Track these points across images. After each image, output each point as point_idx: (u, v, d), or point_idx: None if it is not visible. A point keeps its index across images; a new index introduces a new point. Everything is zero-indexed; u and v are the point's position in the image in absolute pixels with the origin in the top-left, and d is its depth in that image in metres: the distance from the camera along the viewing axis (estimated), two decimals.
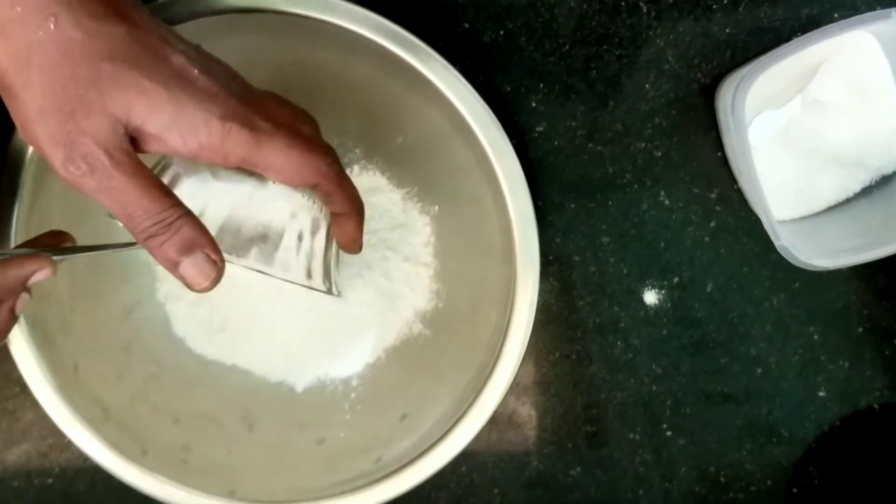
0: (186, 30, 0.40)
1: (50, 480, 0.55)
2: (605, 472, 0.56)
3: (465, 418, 0.46)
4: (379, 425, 0.50)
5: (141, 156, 0.35)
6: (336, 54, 0.48)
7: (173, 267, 0.35)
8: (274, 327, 0.52)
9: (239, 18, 0.45)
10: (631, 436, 0.56)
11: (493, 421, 0.46)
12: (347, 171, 0.45)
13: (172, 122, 0.34)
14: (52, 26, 0.31)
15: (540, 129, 0.54)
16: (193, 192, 0.38)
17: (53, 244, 0.41)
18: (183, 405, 0.50)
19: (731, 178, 0.54)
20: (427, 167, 0.53)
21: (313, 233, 0.42)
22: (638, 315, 0.55)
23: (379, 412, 0.51)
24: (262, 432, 0.51)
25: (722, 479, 0.56)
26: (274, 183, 0.40)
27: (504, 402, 0.46)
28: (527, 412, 0.55)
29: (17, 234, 0.45)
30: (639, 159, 0.54)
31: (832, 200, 0.53)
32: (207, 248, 0.35)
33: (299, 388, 0.53)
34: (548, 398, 0.55)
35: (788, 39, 0.53)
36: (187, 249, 0.35)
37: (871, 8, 0.53)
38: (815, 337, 0.55)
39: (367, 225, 0.52)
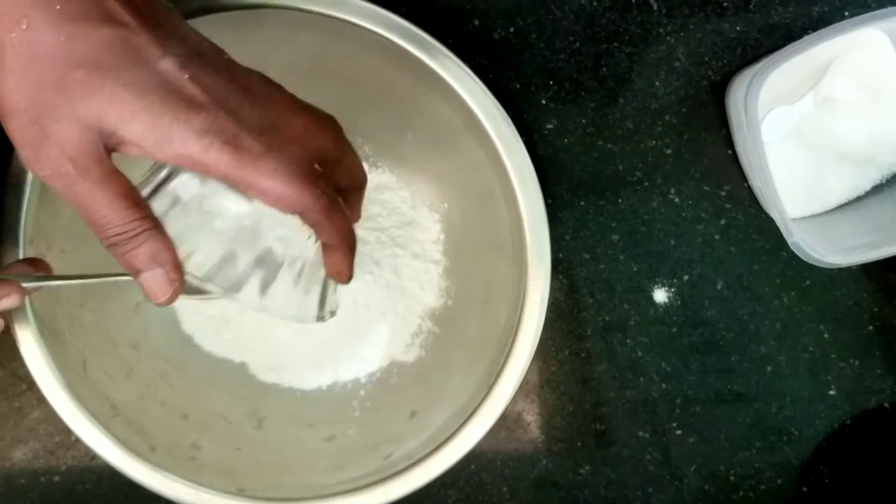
0: (199, 25, 0.39)
1: (57, 478, 0.54)
2: (615, 471, 0.56)
3: (476, 416, 0.46)
4: (388, 422, 0.50)
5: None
6: (347, 51, 0.47)
7: (135, 274, 0.35)
8: (284, 326, 0.52)
9: (251, 15, 0.45)
10: (640, 434, 0.55)
11: (502, 419, 0.46)
12: None
13: (148, 131, 0.32)
14: (23, 27, 0.31)
15: (550, 126, 0.54)
16: (197, 202, 0.37)
17: (27, 272, 0.40)
18: (191, 402, 0.50)
19: (742, 176, 0.54)
20: (437, 164, 0.53)
21: (313, 265, 0.41)
22: (647, 313, 0.55)
23: (388, 409, 0.51)
24: (271, 429, 0.51)
25: (731, 478, 0.56)
26: None
27: (513, 401, 0.46)
28: (536, 410, 0.55)
29: (26, 234, 0.45)
30: (649, 157, 0.54)
31: (843, 198, 0.53)
32: (168, 266, 0.35)
33: (308, 385, 0.52)
34: (557, 396, 0.55)
35: (799, 37, 0.52)
36: (148, 262, 0.35)
37: (881, 5, 0.53)
38: (826, 335, 0.55)
39: (377, 222, 0.52)
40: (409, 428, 0.49)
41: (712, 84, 0.54)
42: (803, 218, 0.54)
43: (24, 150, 0.32)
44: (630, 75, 0.53)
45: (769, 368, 0.55)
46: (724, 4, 0.53)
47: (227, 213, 0.37)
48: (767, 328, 0.55)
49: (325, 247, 0.40)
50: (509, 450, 0.55)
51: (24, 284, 0.38)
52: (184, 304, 0.52)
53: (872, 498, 0.56)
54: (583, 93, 0.54)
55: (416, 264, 0.53)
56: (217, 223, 0.37)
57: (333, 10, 0.45)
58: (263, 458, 0.49)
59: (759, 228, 0.54)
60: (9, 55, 0.31)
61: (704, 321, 0.55)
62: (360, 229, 0.52)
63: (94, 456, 0.46)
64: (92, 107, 0.32)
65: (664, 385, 0.55)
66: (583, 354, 0.55)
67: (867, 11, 0.52)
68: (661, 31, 0.53)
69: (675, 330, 0.55)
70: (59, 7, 0.31)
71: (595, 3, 0.53)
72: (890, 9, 0.46)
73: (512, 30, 0.53)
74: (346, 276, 0.41)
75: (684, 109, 0.54)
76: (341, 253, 0.40)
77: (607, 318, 0.55)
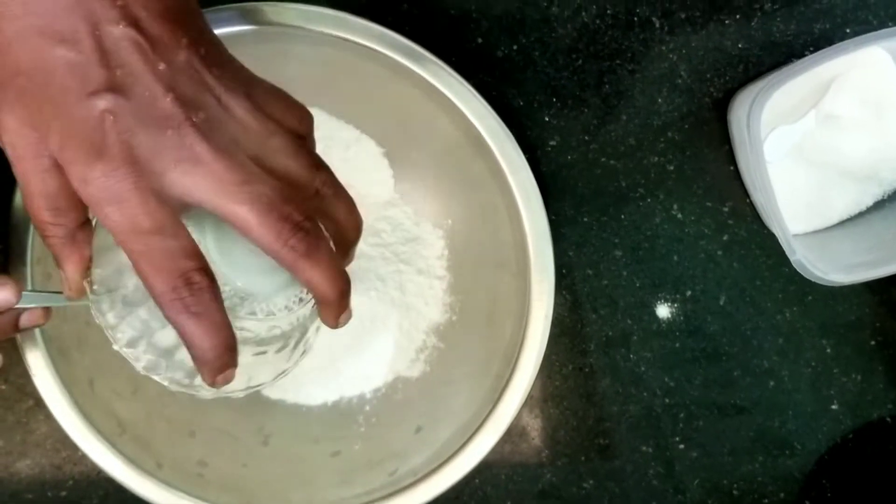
0: None
1: (64, 493, 0.55)
2: (618, 485, 0.56)
3: (481, 431, 0.46)
4: (394, 438, 0.51)
5: None
6: (351, 68, 0.48)
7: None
8: None
9: (254, 32, 0.45)
10: (643, 448, 0.56)
11: (507, 433, 0.46)
12: None
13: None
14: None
15: (553, 143, 0.54)
16: None
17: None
18: (198, 419, 0.50)
19: (744, 192, 0.54)
20: (440, 181, 0.53)
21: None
22: (651, 328, 0.55)
23: (393, 425, 0.52)
24: (276, 445, 0.51)
25: (735, 492, 0.56)
26: None
27: (517, 415, 0.47)
28: (540, 425, 0.55)
29: (33, 253, 0.45)
30: (651, 173, 0.54)
31: (845, 214, 0.54)
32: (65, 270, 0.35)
33: (314, 401, 0.53)
34: (560, 411, 0.55)
35: (801, 54, 0.53)
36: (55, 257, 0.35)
37: (882, 23, 0.53)
38: (828, 350, 0.55)
39: (381, 238, 0.52)
40: (415, 443, 0.49)
41: (714, 101, 0.54)
42: (805, 234, 0.54)
43: None
44: (632, 92, 0.54)
45: (772, 383, 0.55)
46: (727, 21, 0.53)
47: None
48: (770, 343, 0.55)
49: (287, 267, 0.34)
50: (514, 464, 0.56)
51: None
52: None
53: None
54: (585, 109, 0.54)
55: (421, 280, 0.53)
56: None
57: (337, 30, 0.45)
58: (270, 474, 0.49)
59: (762, 244, 0.55)
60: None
61: (707, 336, 0.55)
62: (365, 245, 0.52)
63: (100, 471, 0.46)
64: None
65: (667, 399, 0.55)
66: (586, 369, 0.55)
67: (869, 28, 0.53)
68: (664, 48, 0.54)
69: (677, 345, 0.55)
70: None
71: (598, 21, 0.53)
72: (892, 28, 0.47)
73: (515, 47, 0.54)
74: (336, 326, 0.37)
75: (686, 126, 0.54)
76: (323, 305, 0.35)
77: (610, 333, 0.55)
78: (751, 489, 0.56)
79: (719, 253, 0.55)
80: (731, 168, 0.54)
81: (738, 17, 0.53)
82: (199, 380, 0.35)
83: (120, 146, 0.29)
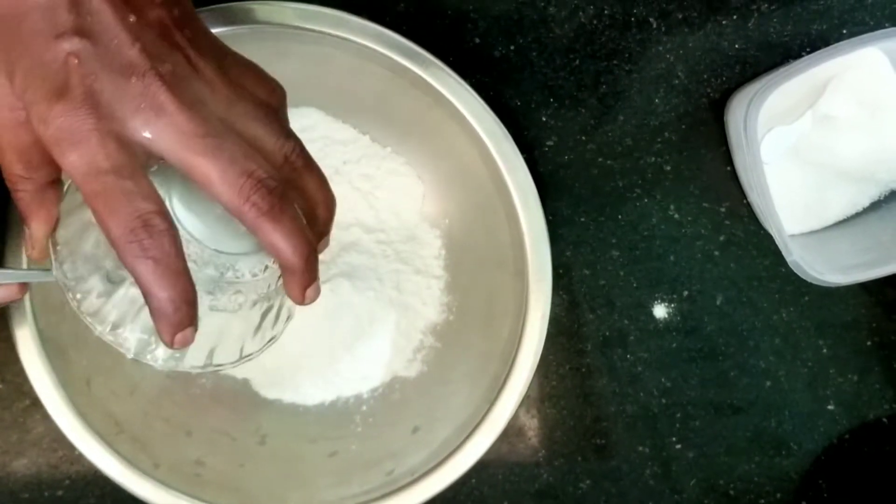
0: None
1: (60, 492, 0.55)
2: (615, 485, 0.56)
3: (478, 431, 0.46)
4: (391, 438, 0.51)
5: None
6: (349, 66, 0.48)
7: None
8: (285, 342, 0.52)
9: (252, 30, 0.45)
10: (640, 448, 0.56)
11: (504, 433, 0.46)
12: None
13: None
14: None
15: (550, 143, 0.54)
16: None
17: None
18: (195, 419, 0.50)
19: (741, 193, 0.54)
20: (438, 180, 0.53)
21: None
22: (647, 328, 0.55)
23: (391, 425, 0.52)
24: (274, 445, 0.51)
25: (731, 492, 0.56)
26: None
27: (514, 415, 0.47)
28: (536, 425, 0.56)
29: None
30: (648, 173, 0.54)
31: (841, 215, 0.54)
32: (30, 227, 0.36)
33: (311, 401, 0.53)
34: (557, 411, 0.55)
35: (798, 55, 0.53)
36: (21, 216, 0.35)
37: (879, 23, 0.53)
38: (824, 350, 0.55)
39: (378, 236, 0.53)
40: (412, 443, 0.49)
41: (711, 101, 0.54)
42: (802, 234, 0.54)
43: None
44: (629, 92, 0.54)
45: (768, 383, 0.55)
46: (724, 22, 0.53)
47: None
48: (767, 343, 0.55)
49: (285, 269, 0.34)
50: (511, 463, 0.56)
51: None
52: None
53: None
54: (583, 110, 0.54)
55: (418, 280, 0.53)
56: None
57: (335, 29, 0.45)
58: (267, 474, 0.49)
59: (759, 244, 0.55)
60: None
61: (704, 336, 0.55)
62: (370, 241, 0.52)
63: (97, 470, 0.46)
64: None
65: (664, 400, 0.55)
66: (583, 369, 0.55)
67: (866, 29, 0.53)
68: (661, 48, 0.54)
69: (674, 345, 0.55)
70: None
71: (595, 21, 0.53)
72: (889, 29, 0.47)
73: (512, 47, 0.54)
74: (303, 301, 0.35)
75: (683, 126, 0.54)
76: (287, 274, 0.34)
77: (607, 333, 0.55)
78: (747, 489, 0.56)
79: (716, 253, 0.55)
80: (728, 168, 0.54)
81: (735, 17, 0.53)
82: (158, 345, 0.35)
83: (82, 88, 0.29)
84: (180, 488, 0.46)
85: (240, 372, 0.53)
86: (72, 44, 0.29)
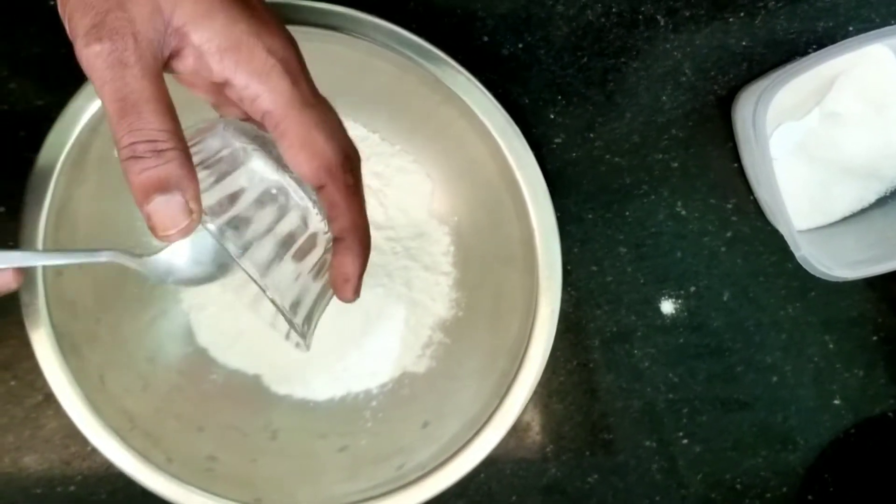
0: None
1: (73, 488, 0.55)
2: (622, 480, 0.56)
3: (487, 427, 0.47)
4: (400, 433, 0.51)
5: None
6: (359, 64, 0.48)
7: (143, 200, 0.30)
8: None
9: None
10: (647, 443, 0.56)
11: (512, 428, 0.47)
12: None
13: (217, 35, 0.31)
14: None
15: (558, 140, 0.55)
16: (232, 157, 0.35)
17: None
18: (207, 415, 0.51)
19: (748, 189, 0.55)
20: (448, 177, 0.53)
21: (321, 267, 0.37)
22: (654, 324, 0.55)
23: (400, 420, 0.52)
24: (285, 440, 0.51)
25: (738, 486, 0.56)
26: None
27: (522, 410, 0.47)
28: (544, 420, 0.56)
29: (46, 238, 0.46)
30: (655, 170, 0.55)
31: (848, 210, 0.54)
32: (189, 195, 0.30)
33: (321, 396, 0.53)
34: (565, 406, 0.56)
35: (804, 52, 0.53)
36: (166, 187, 0.30)
37: (885, 20, 0.54)
38: (830, 346, 0.56)
39: (388, 233, 0.53)
40: (421, 438, 0.49)
41: (718, 98, 0.54)
42: (808, 230, 0.54)
43: (87, 16, 0.30)
44: (637, 90, 0.54)
45: (774, 378, 0.56)
46: (731, 19, 0.54)
47: (254, 175, 0.35)
48: (773, 339, 0.56)
49: (337, 243, 0.36)
50: (518, 458, 0.56)
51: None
52: (198, 318, 0.53)
53: None
54: (590, 107, 0.54)
55: (427, 276, 0.53)
56: (242, 181, 0.34)
57: (346, 27, 0.46)
58: (278, 468, 0.50)
59: (765, 241, 0.55)
60: None
61: (710, 332, 0.56)
62: (379, 238, 0.53)
63: (109, 466, 0.47)
64: None
65: (671, 395, 0.56)
66: (590, 365, 0.56)
67: (872, 26, 0.53)
68: (668, 46, 0.54)
69: (681, 340, 0.56)
70: None
71: (602, 19, 0.54)
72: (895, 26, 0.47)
73: (521, 45, 0.54)
74: (352, 284, 0.36)
75: (690, 123, 0.54)
76: (352, 254, 0.36)
77: (615, 329, 0.55)
78: (753, 484, 0.56)
79: (723, 249, 0.55)
80: (735, 165, 0.55)
81: (742, 15, 0.54)
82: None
83: (276, 21, 0.33)
84: (193, 483, 0.47)
85: (251, 368, 0.53)
86: None
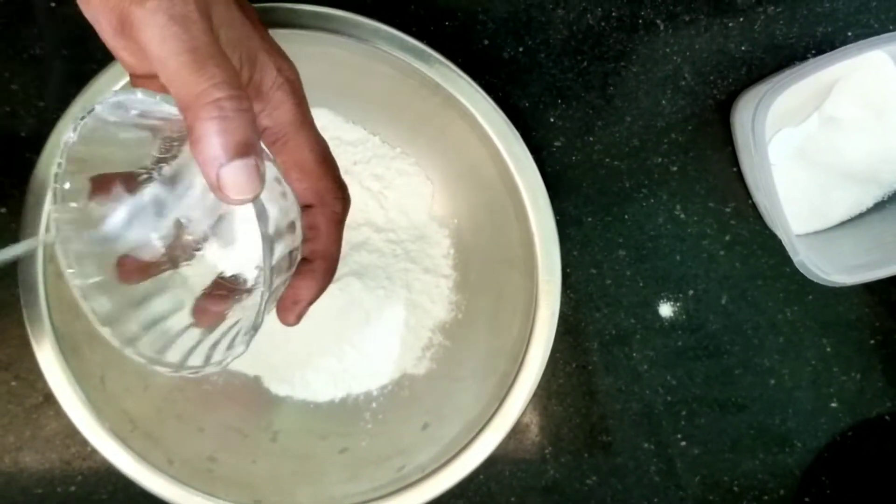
0: None
1: (73, 488, 0.55)
2: (621, 481, 0.56)
3: (487, 428, 0.47)
4: (400, 435, 0.51)
5: None
6: (360, 67, 0.48)
7: (224, 162, 0.28)
8: (296, 340, 0.52)
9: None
10: (645, 445, 0.56)
11: (511, 430, 0.47)
12: None
13: (239, 43, 0.32)
14: None
15: (558, 143, 0.55)
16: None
17: None
18: (207, 416, 0.51)
19: (746, 193, 0.55)
20: (447, 180, 0.54)
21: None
22: (653, 327, 0.56)
23: (400, 422, 0.52)
24: (285, 442, 0.52)
25: (735, 489, 0.57)
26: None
27: (522, 412, 0.47)
28: (544, 422, 0.56)
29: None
30: (655, 174, 0.55)
31: (846, 215, 0.54)
32: (261, 159, 0.29)
33: (321, 398, 0.53)
34: (564, 408, 0.56)
35: (803, 57, 0.54)
36: (247, 150, 0.28)
37: (884, 26, 0.54)
38: (828, 349, 0.56)
39: (388, 235, 0.53)
40: (421, 440, 0.50)
41: (717, 102, 0.55)
42: (806, 234, 0.55)
43: None
44: (637, 94, 0.54)
45: (772, 381, 0.56)
46: (730, 24, 0.54)
47: (269, 171, 0.33)
48: (771, 342, 0.56)
49: (303, 264, 0.35)
50: (518, 460, 0.56)
51: None
52: None
53: None
54: (590, 111, 0.55)
55: (427, 278, 0.54)
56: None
57: (346, 30, 0.46)
58: (278, 470, 0.50)
59: (764, 244, 0.55)
60: None
61: (709, 335, 0.56)
62: (379, 240, 0.53)
63: (109, 466, 0.47)
64: None
65: (669, 397, 0.56)
66: (589, 367, 0.56)
67: (871, 32, 0.54)
68: (668, 50, 0.54)
69: (680, 343, 0.56)
70: None
71: (602, 23, 0.54)
72: (895, 33, 0.47)
73: (521, 49, 0.54)
74: (300, 309, 0.36)
75: (690, 127, 0.55)
76: (316, 278, 0.35)
77: (613, 331, 0.56)
78: (751, 486, 0.57)
79: (721, 253, 0.55)
80: (734, 169, 0.55)
81: (741, 20, 0.54)
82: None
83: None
84: (193, 484, 0.47)
85: (252, 369, 0.53)
86: None
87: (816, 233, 0.55)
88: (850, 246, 0.53)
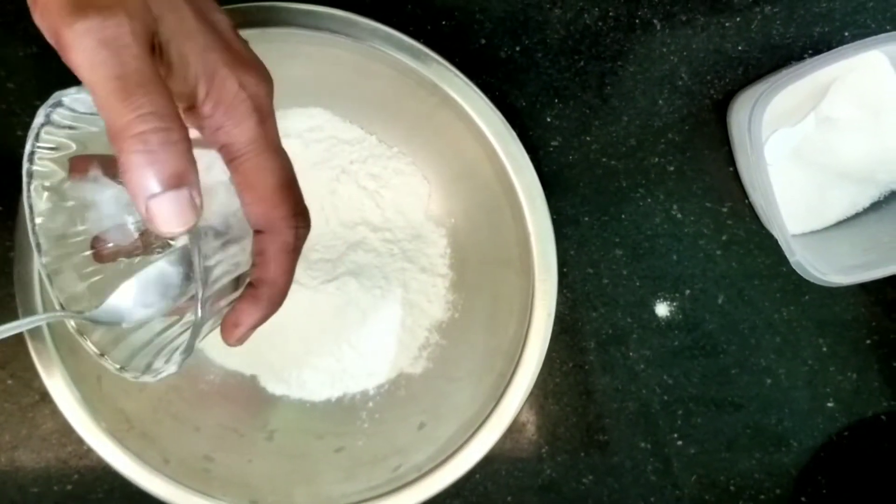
0: None
1: (69, 487, 0.55)
2: (617, 480, 0.57)
3: (483, 428, 0.47)
4: (397, 434, 0.51)
5: None
6: (357, 66, 0.48)
7: (149, 196, 0.27)
8: (293, 339, 0.52)
9: (260, 31, 0.46)
10: (642, 445, 0.56)
11: (508, 429, 0.47)
12: None
13: (197, 57, 0.30)
14: None
15: (555, 143, 0.55)
16: None
17: None
18: (204, 415, 0.51)
19: (743, 193, 0.55)
20: (444, 179, 0.54)
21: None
22: (650, 326, 0.56)
23: (396, 421, 0.52)
24: (281, 441, 0.52)
25: (731, 488, 0.57)
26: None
27: (518, 411, 0.47)
28: (540, 421, 0.56)
29: None
30: (652, 173, 0.55)
31: (842, 215, 0.54)
32: (195, 189, 0.28)
33: (318, 397, 0.53)
34: (561, 407, 0.56)
35: (800, 57, 0.54)
36: (178, 182, 0.27)
37: (881, 26, 0.54)
38: (824, 349, 0.56)
39: (385, 235, 0.53)
40: (418, 440, 0.50)
41: (714, 102, 0.55)
42: (803, 234, 0.55)
43: None
44: (634, 94, 0.54)
45: (769, 381, 0.56)
46: (727, 24, 0.54)
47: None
48: (767, 341, 0.56)
49: (249, 288, 0.34)
50: (514, 459, 0.56)
51: None
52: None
53: None
54: (587, 111, 0.55)
55: (424, 278, 0.54)
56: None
57: (344, 30, 0.46)
58: (275, 469, 0.50)
59: (760, 244, 0.55)
60: None
61: (705, 334, 0.56)
62: (376, 240, 0.53)
63: (106, 465, 0.47)
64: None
65: (665, 397, 0.56)
66: (586, 366, 0.56)
67: (867, 32, 0.54)
68: (665, 50, 0.54)
69: (676, 343, 0.56)
70: None
71: (600, 23, 0.54)
72: (891, 33, 0.47)
73: (518, 49, 0.54)
74: (240, 333, 0.34)
75: (687, 127, 0.55)
76: (259, 305, 0.34)
77: (610, 331, 0.56)
78: (747, 485, 0.57)
79: (718, 252, 0.55)
80: (731, 169, 0.55)
81: (738, 20, 0.54)
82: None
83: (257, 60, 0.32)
84: (189, 483, 0.47)
85: (248, 368, 0.53)
86: None
87: (813, 233, 0.55)
88: (846, 246, 0.53)
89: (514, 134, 0.46)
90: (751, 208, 0.55)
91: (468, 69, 0.46)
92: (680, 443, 0.56)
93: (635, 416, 0.56)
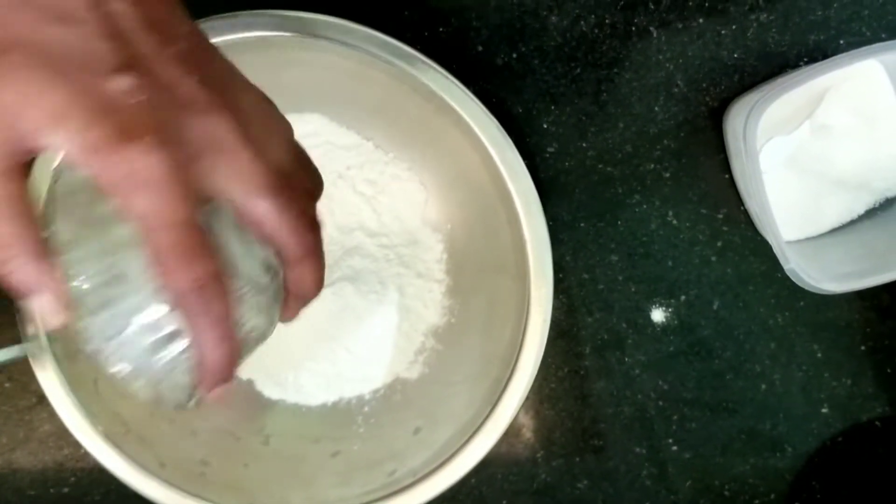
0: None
1: (66, 489, 0.55)
2: (612, 485, 0.57)
3: (480, 433, 0.47)
4: (392, 439, 0.51)
5: None
6: (353, 73, 0.48)
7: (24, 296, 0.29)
8: (289, 343, 0.53)
9: (256, 38, 0.46)
10: (637, 450, 0.57)
11: (504, 433, 0.47)
12: None
13: (74, 137, 0.27)
14: None
15: (551, 149, 0.55)
16: None
17: None
18: (199, 419, 0.51)
19: (738, 199, 0.55)
20: (441, 185, 0.54)
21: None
22: (645, 332, 0.56)
23: (392, 426, 0.52)
24: (277, 445, 0.52)
25: (726, 493, 0.57)
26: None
27: (514, 416, 0.47)
28: (535, 425, 0.56)
29: None
30: (648, 180, 0.55)
31: (837, 222, 0.55)
32: (49, 296, 0.29)
33: (314, 401, 0.53)
34: (556, 412, 0.56)
35: (795, 65, 0.54)
36: (27, 291, 0.28)
37: (876, 34, 0.54)
38: (819, 354, 0.56)
39: (381, 240, 0.53)
40: (413, 444, 0.50)
41: (710, 109, 0.55)
42: (797, 241, 0.55)
43: None
44: (630, 100, 0.55)
45: (763, 386, 0.56)
46: (723, 32, 0.54)
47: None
48: (762, 347, 0.56)
49: (290, 261, 0.34)
50: (509, 463, 0.56)
51: None
52: None
53: None
54: (583, 117, 0.55)
55: (420, 283, 0.54)
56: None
57: (340, 38, 0.46)
58: (270, 473, 0.50)
59: (755, 250, 0.55)
60: None
61: (701, 340, 0.56)
62: (372, 245, 0.53)
63: (102, 468, 0.47)
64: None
65: (660, 402, 0.56)
66: (581, 372, 0.56)
67: (863, 40, 0.54)
68: (661, 57, 0.54)
69: (671, 348, 0.56)
70: None
71: (596, 30, 0.54)
72: (886, 42, 0.48)
73: (514, 55, 0.54)
74: (316, 287, 0.36)
75: (682, 134, 0.55)
76: (312, 262, 0.34)
77: (606, 336, 0.56)
78: (742, 490, 0.57)
79: (713, 258, 0.56)
80: (726, 176, 0.55)
81: (734, 27, 0.54)
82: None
83: (149, 127, 0.26)
84: (185, 487, 0.47)
85: (244, 373, 0.54)
86: (128, 81, 0.27)
87: (807, 239, 0.55)
88: (840, 253, 0.53)
89: (509, 140, 0.46)
90: (746, 215, 0.55)
91: (465, 76, 0.47)
92: (675, 447, 0.57)
93: (630, 421, 0.56)
